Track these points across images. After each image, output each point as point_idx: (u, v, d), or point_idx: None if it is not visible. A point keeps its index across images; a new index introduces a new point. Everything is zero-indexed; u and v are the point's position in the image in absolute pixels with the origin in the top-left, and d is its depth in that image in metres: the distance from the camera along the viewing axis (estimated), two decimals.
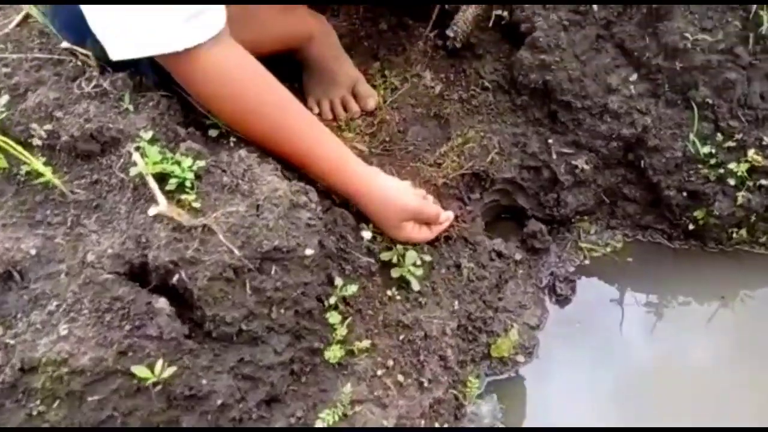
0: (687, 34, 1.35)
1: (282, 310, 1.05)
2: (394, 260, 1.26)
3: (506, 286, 1.46)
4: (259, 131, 1.16)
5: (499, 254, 1.47)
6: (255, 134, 1.17)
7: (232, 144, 1.16)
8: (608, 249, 1.55)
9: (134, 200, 1.03)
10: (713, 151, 1.39)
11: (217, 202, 1.03)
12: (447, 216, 1.33)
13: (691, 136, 1.36)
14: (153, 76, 1.14)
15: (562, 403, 1.35)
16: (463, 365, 1.35)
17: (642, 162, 1.45)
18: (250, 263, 1.00)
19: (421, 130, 1.57)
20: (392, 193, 1.24)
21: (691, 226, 1.46)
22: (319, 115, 1.56)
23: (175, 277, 0.97)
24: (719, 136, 1.39)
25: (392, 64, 1.65)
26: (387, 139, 1.55)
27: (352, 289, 1.14)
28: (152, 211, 0.92)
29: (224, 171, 1.07)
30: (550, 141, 1.50)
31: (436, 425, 1.17)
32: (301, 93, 1.57)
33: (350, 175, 1.21)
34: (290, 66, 1.55)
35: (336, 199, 1.31)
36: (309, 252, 1.06)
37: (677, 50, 1.36)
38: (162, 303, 0.96)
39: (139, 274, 1.00)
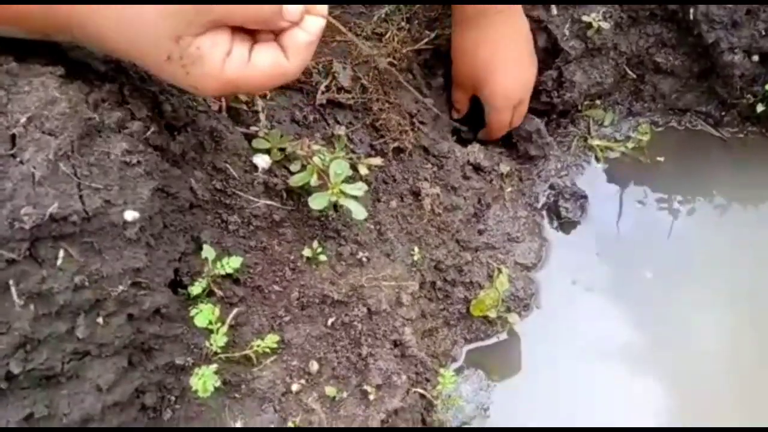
0: None
1: (99, 320, 0.59)
2: (313, 182, 0.77)
3: (488, 213, 1.01)
4: None
5: (477, 168, 1.00)
6: None
7: None
8: (630, 145, 1.09)
9: None
10: None
11: None
12: (297, 9, 0.51)
13: None
14: None
15: (574, 373, 0.96)
16: (431, 334, 0.93)
17: (691, 12, 0.94)
18: (6, 251, 0.52)
19: None
20: None
21: (759, 107, 0.99)
22: None
23: None
24: None
25: None
26: None
27: (233, 263, 0.67)
28: None
29: None
30: None
31: None
32: None
33: None
34: None
35: (209, 101, 0.80)
36: (131, 215, 0.58)
37: None
38: None
39: None
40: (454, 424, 0.94)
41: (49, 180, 0.54)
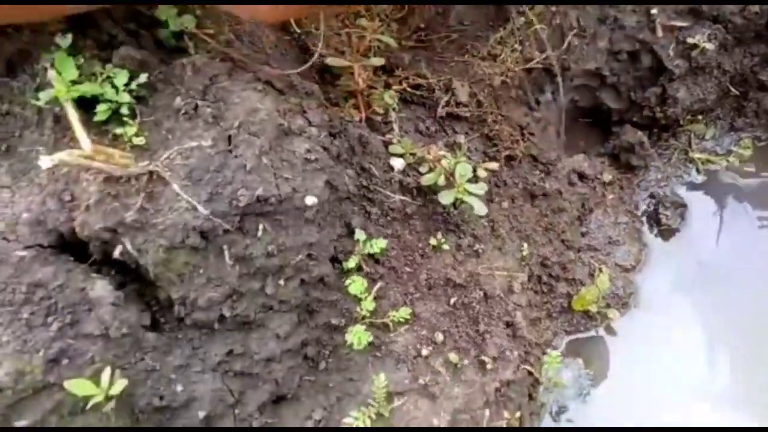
0: None
1: (281, 282, 0.75)
2: (441, 182, 0.90)
3: (591, 218, 1.10)
4: None
5: (581, 175, 1.09)
6: None
7: (192, 49, 0.80)
8: (731, 159, 1.14)
9: (56, 138, 0.72)
10: None
11: (169, 135, 0.71)
12: None
13: None
14: None
15: (669, 369, 1.03)
16: (535, 323, 1.03)
17: None
18: (224, 223, 0.69)
19: (468, 9, 1.16)
20: None
21: None
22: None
23: (118, 250, 0.67)
24: None
25: None
26: (422, 25, 1.15)
27: (380, 244, 0.81)
28: (46, 162, 0.59)
29: (178, 88, 0.72)
30: (653, 11, 1.07)
31: (505, 414, 0.87)
32: None
33: None
34: None
35: (353, 114, 0.96)
36: (311, 200, 0.73)
37: None
38: (101, 288, 0.67)
39: (73, 245, 0.71)
40: (554, 407, 1.03)
41: (255, 170, 0.71)
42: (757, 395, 1.01)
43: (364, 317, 0.80)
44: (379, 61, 1.02)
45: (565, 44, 1.11)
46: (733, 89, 1.10)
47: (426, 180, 0.91)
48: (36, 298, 0.65)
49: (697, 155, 1.14)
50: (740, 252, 1.11)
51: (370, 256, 0.85)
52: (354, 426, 0.76)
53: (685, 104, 1.09)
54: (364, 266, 0.83)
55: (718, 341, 1.05)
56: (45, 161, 0.59)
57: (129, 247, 0.66)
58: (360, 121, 0.99)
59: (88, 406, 0.65)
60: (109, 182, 0.66)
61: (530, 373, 0.92)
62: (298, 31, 1.10)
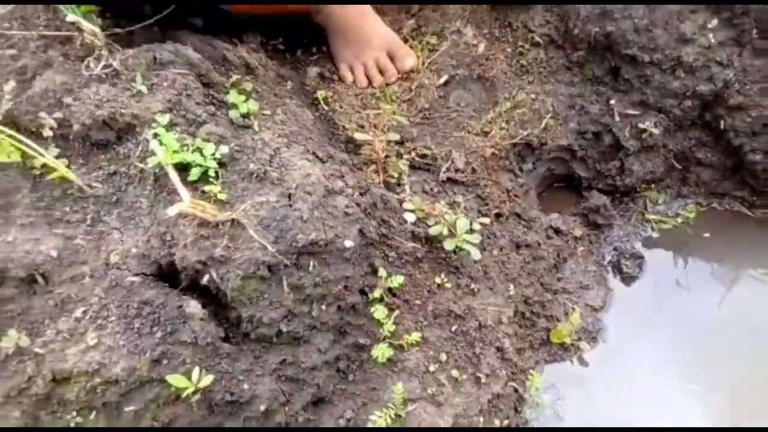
0: None
1: (323, 307, 0.96)
2: (445, 232, 1.14)
3: (565, 266, 1.33)
4: None
5: (557, 231, 1.33)
6: None
7: (256, 126, 1.04)
8: (679, 220, 1.40)
9: (156, 193, 0.94)
10: None
11: (245, 192, 0.93)
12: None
13: None
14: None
15: (629, 392, 1.24)
16: (520, 352, 1.24)
17: (721, 123, 1.27)
18: (285, 259, 0.91)
19: (463, 94, 1.42)
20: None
21: None
22: (354, 82, 1.43)
23: (206, 278, 0.89)
24: None
25: (428, 21, 1.48)
26: (426, 106, 1.41)
27: (398, 280, 1.03)
28: (173, 210, 0.82)
29: (250, 157, 0.96)
30: (612, 102, 1.34)
31: (496, 422, 1.07)
32: (330, 58, 1.44)
33: None
34: (314, 29, 1.42)
35: (374, 178, 1.20)
36: (348, 244, 0.96)
37: None
38: (193, 307, 0.88)
39: (167, 274, 0.92)
40: (535, 424, 1.22)
41: (309, 220, 0.93)
42: (713, 422, 1.21)
43: (385, 337, 1.01)
44: (395, 136, 1.27)
45: (543, 125, 1.38)
46: (677, 164, 1.36)
47: (432, 231, 1.14)
48: (144, 313, 0.86)
49: (651, 216, 1.40)
50: (687, 295, 1.34)
51: (390, 290, 1.06)
52: (378, 424, 0.96)
53: (639, 175, 1.35)
54: (385, 297, 1.05)
55: (672, 372, 1.26)
56: (172, 210, 0.81)
57: (215, 276, 0.88)
58: (379, 183, 1.23)
59: (181, 397, 0.85)
60: (202, 226, 0.88)
61: (516, 390, 1.13)
62: (326, 108, 1.36)
